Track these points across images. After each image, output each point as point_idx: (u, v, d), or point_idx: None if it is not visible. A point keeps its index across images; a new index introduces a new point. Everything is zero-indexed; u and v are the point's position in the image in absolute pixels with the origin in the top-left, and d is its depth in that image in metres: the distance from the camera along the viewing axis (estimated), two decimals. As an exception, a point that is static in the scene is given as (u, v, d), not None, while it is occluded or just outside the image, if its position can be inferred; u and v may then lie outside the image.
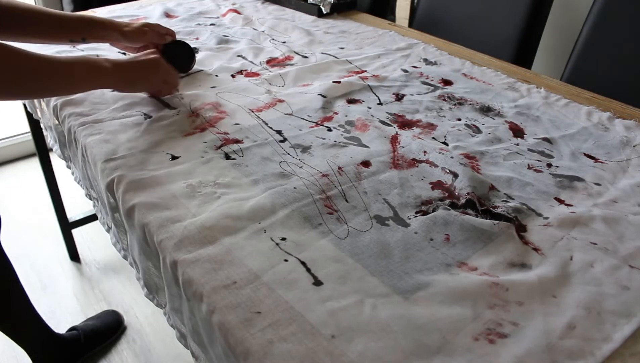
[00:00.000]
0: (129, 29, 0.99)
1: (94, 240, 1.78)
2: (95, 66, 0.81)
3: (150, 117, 0.87)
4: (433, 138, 0.84)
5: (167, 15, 1.42)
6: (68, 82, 0.79)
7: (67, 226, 1.65)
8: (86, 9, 1.51)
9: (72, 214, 1.66)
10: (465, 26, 1.45)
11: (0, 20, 0.88)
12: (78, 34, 0.95)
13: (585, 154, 0.81)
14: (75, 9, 1.87)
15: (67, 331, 1.36)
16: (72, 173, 0.99)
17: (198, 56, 1.14)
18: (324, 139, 0.82)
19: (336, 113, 0.90)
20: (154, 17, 1.40)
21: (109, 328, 1.42)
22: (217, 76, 1.05)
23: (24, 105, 1.28)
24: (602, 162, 0.79)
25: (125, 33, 0.99)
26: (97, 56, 1.11)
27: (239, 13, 1.44)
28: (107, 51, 1.15)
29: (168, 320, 0.68)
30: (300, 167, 0.75)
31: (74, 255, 1.71)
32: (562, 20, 1.59)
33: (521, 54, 1.33)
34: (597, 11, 1.18)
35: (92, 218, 1.68)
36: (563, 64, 1.26)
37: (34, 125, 1.40)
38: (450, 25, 1.48)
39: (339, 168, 0.75)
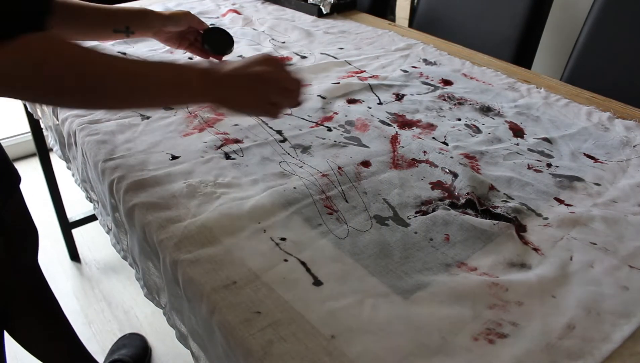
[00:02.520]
0: (170, 12, 0.98)
1: (94, 240, 1.79)
2: (179, 73, 0.63)
3: (147, 117, 0.87)
4: (433, 137, 0.84)
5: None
6: (144, 94, 0.62)
7: (67, 226, 1.65)
8: (86, 9, 1.51)
9: (72, 214, 1.66)
10: (466, 26, 1.45)
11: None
12: (121, 23, 0.90)
13: (585, 154, 0.81)
14: (75, 9, 1.86)
15: None
16: (73, 175, 0.99)
17: (198, 57, 1.14)
18: (324, 139, 0.82)
19: (336, 113, 0.90)
20: (154, 17, 1.40)
21: (143, 349, 1.38)
22: (217, 76, 1.05)
23: (24, 105, 1.28)
24: (602, 162, 0.79)
25: (168, 17, 0.97)
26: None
27: (239, 13, 1.44)
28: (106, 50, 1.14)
29: (168, 320, 0.69)
30: (300, 167, 0.75)
31: (74, 255, 1.71)
32: (562, 20, 1.59)
33: (521, 54, 1.33)
34: (597, 11, 1.18)
35: (92, 218, 1.68)
36: (563, 64, 1.26)
37: (34, 125, 1.40)
38: (450, 25, 1.48)
39: (339, 167, 0.75)
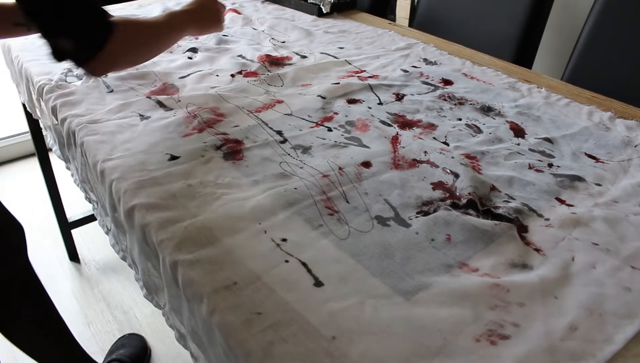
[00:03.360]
0: None
1: (94, 240, 1.78)
2: (180, 19, 0.92)
3: (147, 118, 0.87)
4: (434, 138, 0.84)
5: (167, 14, 1.42)
6: (169, 42, 0.91)
7: (66, 226, 1.64)
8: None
9: (72, 215, 1.66)
10: (466, 26, 1.44)
11: None
12: (20, 16, 0.95)
13: (586, 154, 0.81)
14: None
15: None
16: (72, 175, 0.99)
17: (197, 57, 1.13)
18: (324, 139, 0.82)
19: (336, 113, 0.90)
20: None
21: (142, 350, 1.38)
22: (217, 76, 1.04)
23: (23, 105, 1.28)
24: (603, 162, 0.79)
25: None
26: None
27: (239, 13, 1.44)
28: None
29: (167, 320, 0.68)
30: (301, 168, 0.74)
31: (73, 255, 1.71)
32: (563, 20, 1.59)
33: (522, 54, 1.33)
34: (598, 11, 1.18)
35: (91, 218, 1.68)
36: (564, 63, 1.25)
37: (34, 125, 1.39)
38: (450, 25, 1.48)
39: (340, 168, 0.74)
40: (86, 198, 0.93)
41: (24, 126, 1.45)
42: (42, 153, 1.47)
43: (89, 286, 1.60)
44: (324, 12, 1.43)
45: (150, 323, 1.48)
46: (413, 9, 1.82)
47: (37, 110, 1.11)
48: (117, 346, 1.38)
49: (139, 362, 1.35)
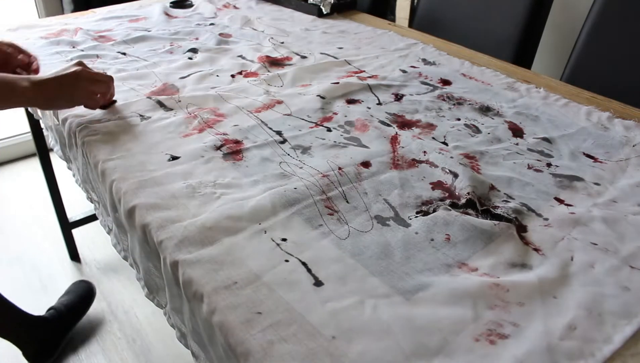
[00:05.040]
0: None
1: (94, 240, 1.78)
2: (9, 86, 0.78)
3: (147, 118, 0.87)
4: (433, 138, 0.84)
5: (167, 15, 1.42)
6: None
7: (67, 226, 1.65)
8: (86, 9, 1.51)
9: (72, 214, 1.66)
10: (466, 26, 1.45)
11: None
12: None
13: (584, 153, 0.81)
14: (76, 9, 1.87)
15: (46, 312, 1.38)
16: (74, 175, 0.99)
17: (197, 57, 1.14)
18: (323, 139, 0.82)
19: (335, 113, 0.90)
20: (154, 17, 1.40)
21: (83, 299, 1.46)
22: (217, 76, 1.05)
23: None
24: (601, 162, 0.79)
25: None
26: (97, 56, 1.12)
27: (237, 8, 1.44)
28: (106, 50, 1.15)
29: (168, 320, 0.68)
30: (301, 168, 0.75)
31: (74, 255, 1.71)
32: (562, 20, 1.59)
33: (521, 54, 1.33)
34: (597, 11, 1.18)
35: (92, 218, 1.68)
36: (563, 64, 1.26)
37: (34, 125, 1.40)
38: (450, 26, 1.48)
39: (339, 168, 0.75)
40: (88, 198, 0.93)
41: (25, 126, 1.45)
42: (43, 153, 1.47)
43: (90, 286, 1.60)
44: (324, 12, 1.43)
45: (152, 322, 1.48)
46: (413, 10, 1.82)
47: (39, 111, 1.12)
48: (65, 292, 1.46)
49: (75, 312, 1.42)
